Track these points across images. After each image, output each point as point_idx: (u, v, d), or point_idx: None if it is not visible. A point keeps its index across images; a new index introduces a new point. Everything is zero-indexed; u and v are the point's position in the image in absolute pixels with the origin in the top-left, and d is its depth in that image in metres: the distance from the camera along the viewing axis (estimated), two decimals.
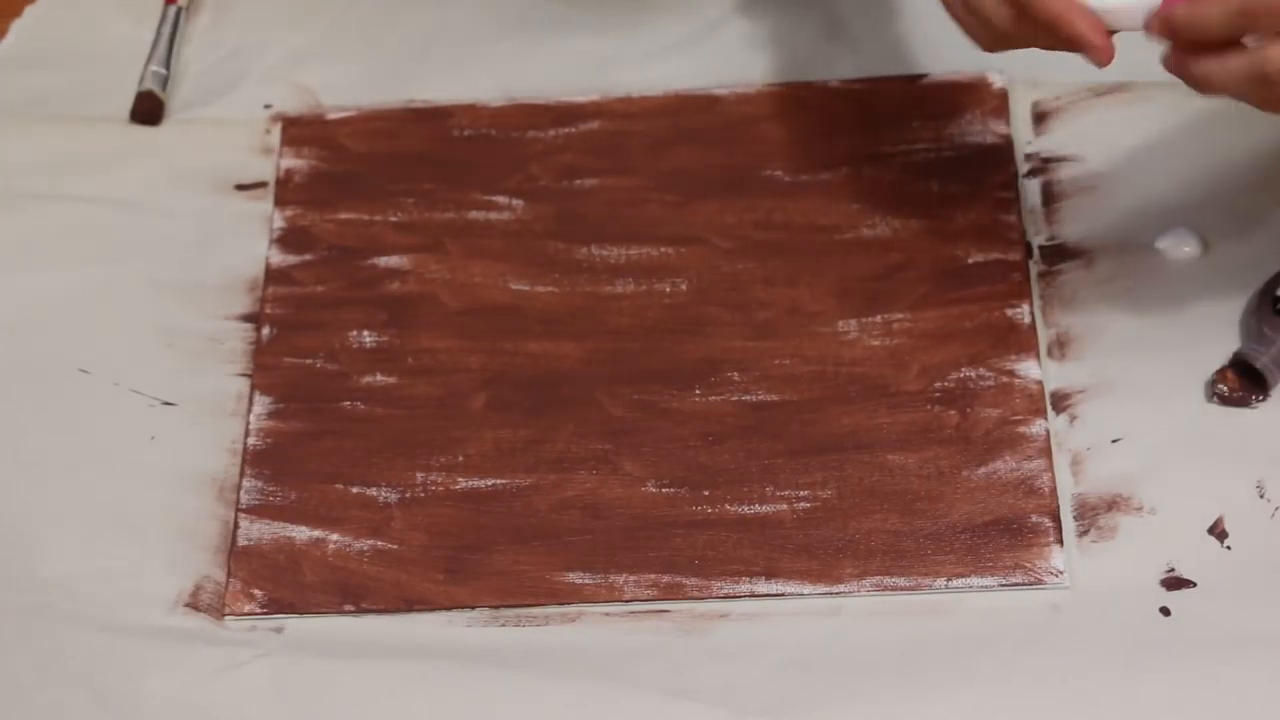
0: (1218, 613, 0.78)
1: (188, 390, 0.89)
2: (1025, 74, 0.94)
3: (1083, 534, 0.81)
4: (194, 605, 0.83)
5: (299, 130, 0.97)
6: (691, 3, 0.99)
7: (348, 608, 0.83)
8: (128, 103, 0.98)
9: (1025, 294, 0.88)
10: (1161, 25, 0.75)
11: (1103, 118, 0.92)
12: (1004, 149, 0.92)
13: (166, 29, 0.99)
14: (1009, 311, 0.88)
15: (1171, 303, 0.87)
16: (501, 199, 0.94)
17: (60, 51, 1.01)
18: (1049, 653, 0.79)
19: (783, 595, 0.81)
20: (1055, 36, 0.76)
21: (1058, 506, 0.82)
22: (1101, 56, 0.76)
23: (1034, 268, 0.89)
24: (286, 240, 0.93)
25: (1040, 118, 0.93)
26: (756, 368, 0.87)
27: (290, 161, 0.96)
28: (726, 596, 0.81)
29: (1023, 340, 0.87)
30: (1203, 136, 0.91)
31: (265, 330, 0.91)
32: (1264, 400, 0.83)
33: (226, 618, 0.83)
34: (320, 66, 0.99)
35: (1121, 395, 0.85)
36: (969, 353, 0.87)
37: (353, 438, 0.87)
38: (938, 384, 0.86)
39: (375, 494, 0.85)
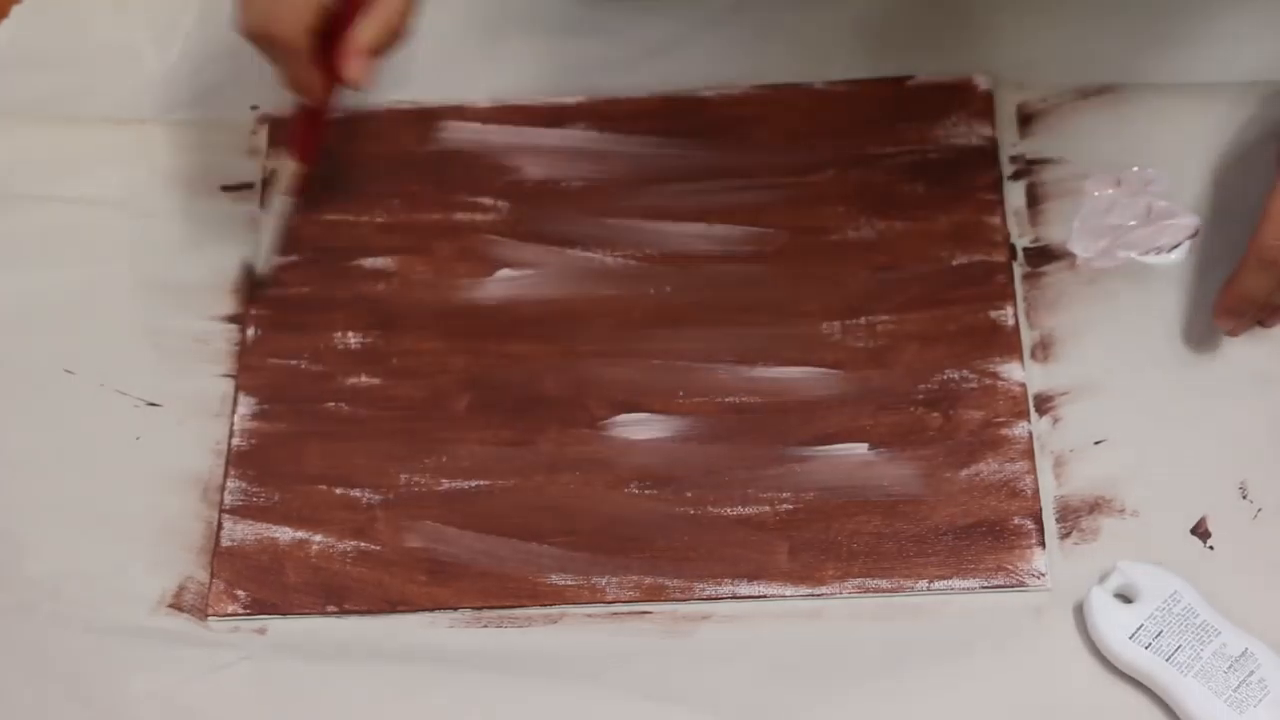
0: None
1: (173, 391, 0.89)
2: (1011, 76, 0.94)
3: (1065, 536, 0.82)
4: (177, 606, 0.83)
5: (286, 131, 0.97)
6: (678, 5, 0.99)
7: (330, 609, 0.83)
8: (114, 103, 0.98)
9: (1009, 296, 0.88)
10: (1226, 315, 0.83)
11: (1088, 120, 0.92)
12: (989, 151, 0.92)
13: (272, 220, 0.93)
14: (993, 314, 0.88)
15: (1155, 305, 0.87)
16: (487, 200, 0.94)
17: (47, 52, 1.00)
18: (1030, 654, 0.79)
19: (765, 597, 0.81)
20: None
21: (1040, 509, 0.82)
22: None
23: (1018, 270, 0.89)
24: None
25: (1025, 120, 0.93)
26: (740, 369, 0.87)
27: (276, 163, 0.96)
28: (709, 598, 0.82)
29: (1006, 342, 0.87)
30: (1188, 139, 0.91)
31: (250, 331, 0.91)
32: None
33: (209, 618, 0.83)
34: None
35: (1104, 397, 0.85)
36: (953, 355, 0.87)
37: (337, 439, 0.87)
38: (921, 386, 0.86)
39: (359, 495, 0.85)
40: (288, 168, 0.90)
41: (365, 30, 0.83)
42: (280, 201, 0.91)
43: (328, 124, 0.89)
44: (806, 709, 0.79)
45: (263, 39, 0.83)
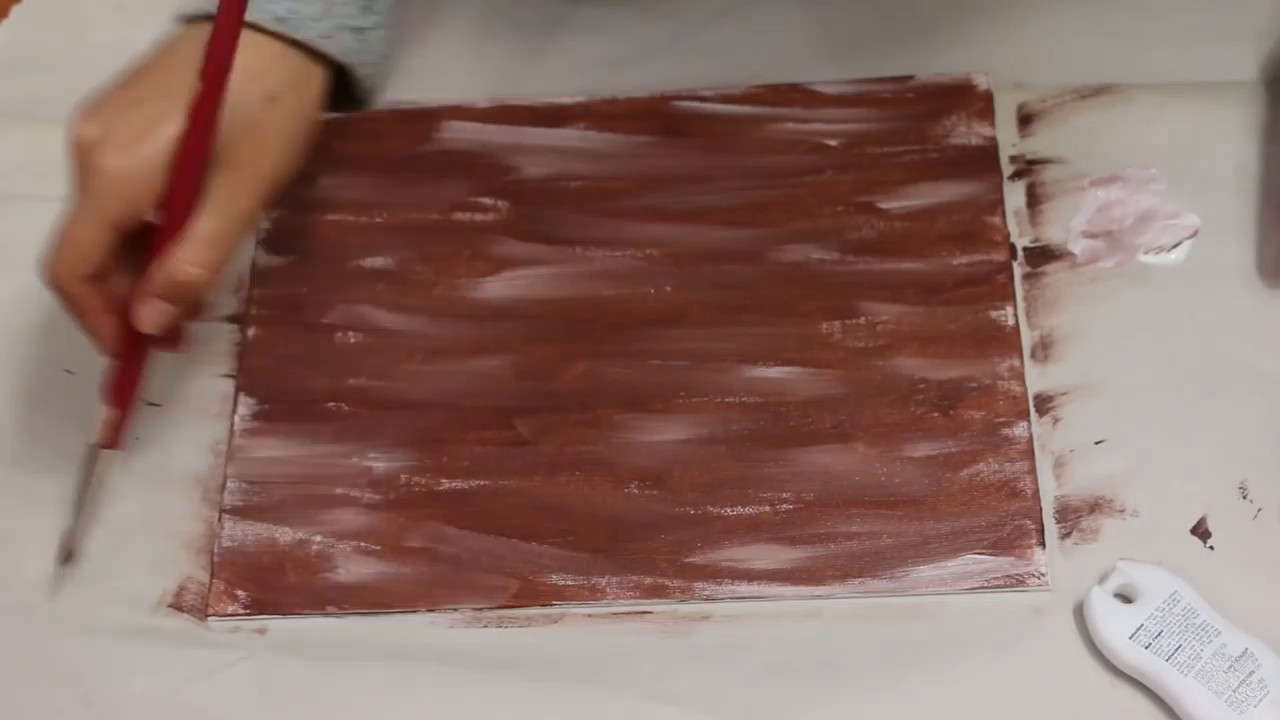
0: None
1: (172, 391, 0.89)
2: (1010, 76, 0.94)
3: (1065, 536, 0.82)
4: (177, 606, 0.84)
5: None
6: (677, 4, 0.99)
7: (330, 609, 0.83)
8: None
9: (1009, 296, 0.88)
10: None
11: (1088, 120, 0.92)
12: (989, 151, 0.92)
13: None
14: (993, 314, 0.88)
15: (1155, 305, 0.87)
16: (487, 200, 0.94)
17: (46, 53, 1.00)
18: (1030, 655, 0.79)
19: (764, 597, 0.81)
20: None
21: (1040, 509, 0.82)
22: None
23: (1018, 270, 0.89)
24: (272, 241, 0.93)
25: (1025, 120, 0.93)
26: (740, 369, 0.87)
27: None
28: (708, 598, 0.82)
29: (1006, 342, 0.87)
30: (1188, 139, 0.91)
31: (250, 331, 0.91)
32: None
33: (210, 619, 0.83)
34: None
35: (1105, 398, 0.85)
36: (953, 355, 0.87)
37: (337, 439, 0.87)
38: (921, 386, 0.86)
39: (359, 495, 0.85)
40: (100, 415, 0.83)
41: (159, 271, 0.79)
42: (92, 453, 0.84)
43: (142, 369, 0.83)
44: (806, 709, 0.79)
45: (49, 288, 0.80)
